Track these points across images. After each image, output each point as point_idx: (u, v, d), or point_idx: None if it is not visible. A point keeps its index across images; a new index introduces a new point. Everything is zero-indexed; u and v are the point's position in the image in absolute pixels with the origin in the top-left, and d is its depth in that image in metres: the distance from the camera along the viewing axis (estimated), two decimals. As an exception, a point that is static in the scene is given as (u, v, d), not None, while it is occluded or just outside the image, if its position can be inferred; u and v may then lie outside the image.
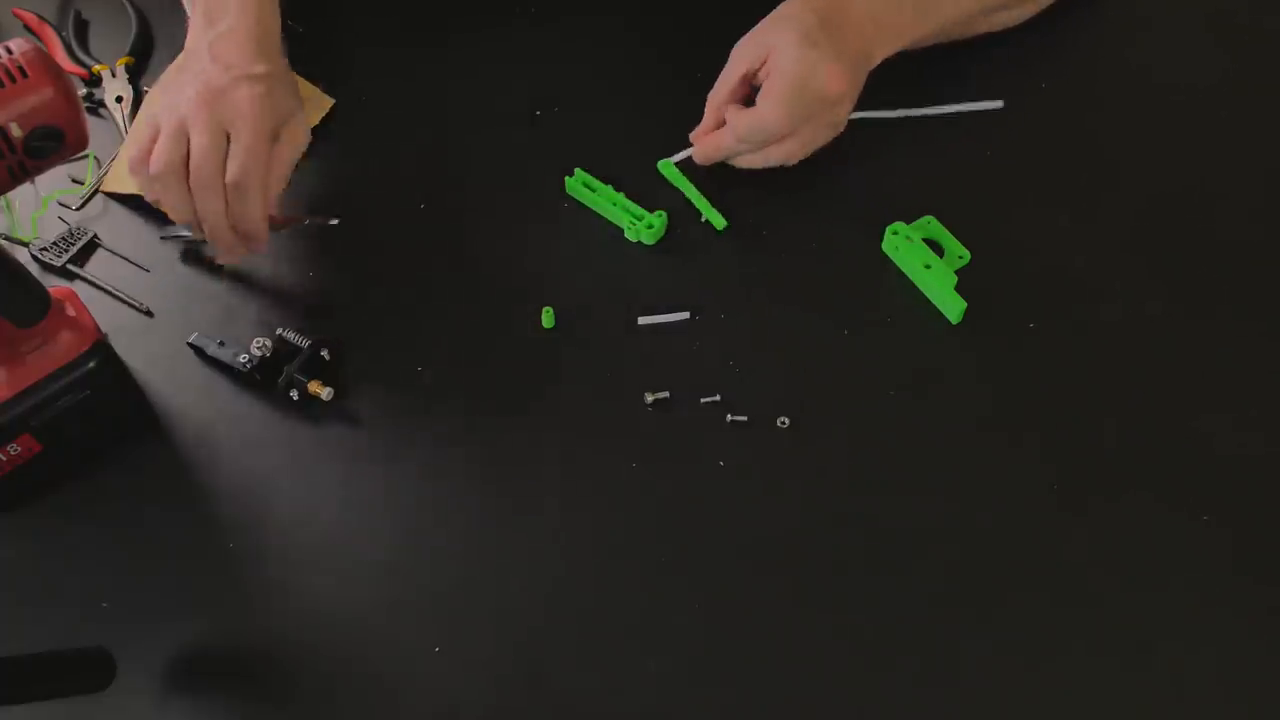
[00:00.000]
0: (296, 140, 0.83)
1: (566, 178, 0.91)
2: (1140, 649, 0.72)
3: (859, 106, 0.88)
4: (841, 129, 0.88)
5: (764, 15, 0.87)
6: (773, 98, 0.83)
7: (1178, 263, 0.87)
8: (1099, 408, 0.81)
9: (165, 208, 0.82)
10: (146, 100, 0.92)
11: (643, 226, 0.88)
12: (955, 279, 0.84)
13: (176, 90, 0.81)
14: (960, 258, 0.86)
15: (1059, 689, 0.71)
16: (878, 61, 0.88)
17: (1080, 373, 0.82)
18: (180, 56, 0.85)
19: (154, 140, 0.79)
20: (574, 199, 0.91)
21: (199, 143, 0.78)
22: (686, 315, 0.85)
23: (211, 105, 0.78)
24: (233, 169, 0.78)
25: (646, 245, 0.88)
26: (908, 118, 0.93)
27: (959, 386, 0.82)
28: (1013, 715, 0.71)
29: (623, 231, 0.89)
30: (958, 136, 0.93)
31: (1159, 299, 0.85)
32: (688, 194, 0.90)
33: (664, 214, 0.88)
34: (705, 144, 0.88)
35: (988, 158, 0.92)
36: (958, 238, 0.87)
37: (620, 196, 0.89)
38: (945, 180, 0.91)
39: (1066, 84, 0.96)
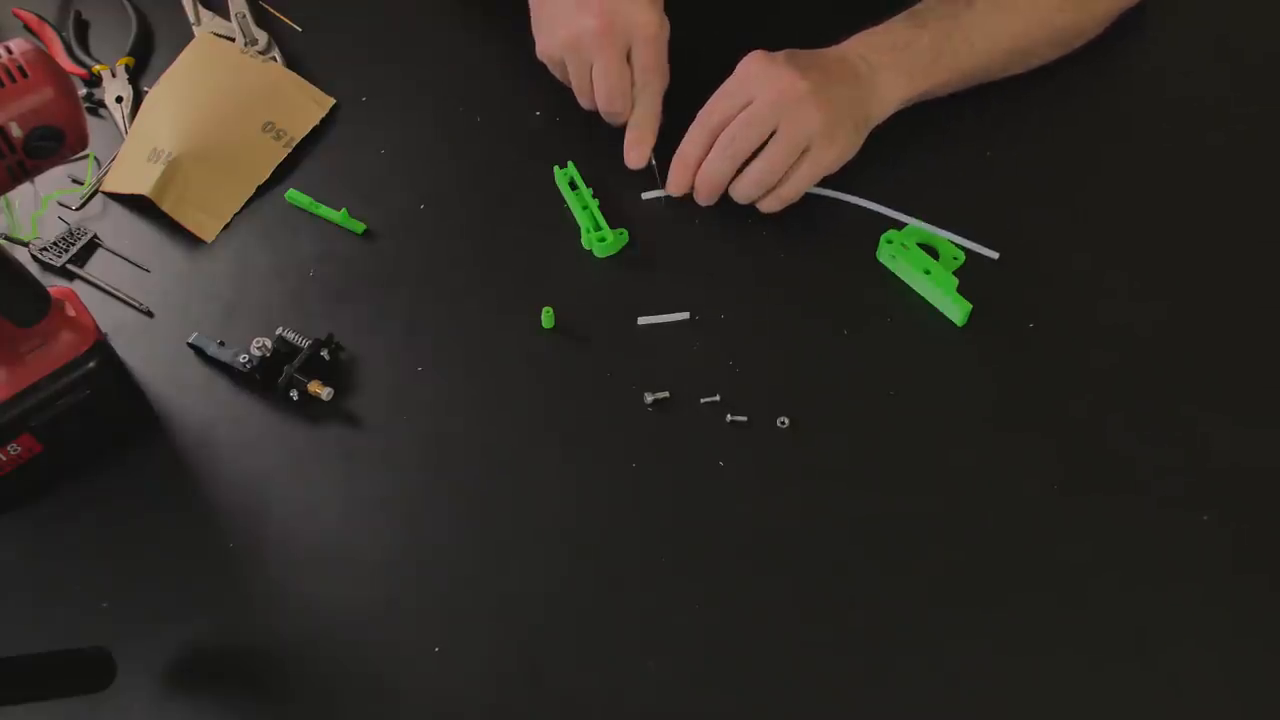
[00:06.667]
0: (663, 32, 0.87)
1: (557, 168, 0.91)
2: (1140, 649, 0.72)
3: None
4: (823, 163, 0.85)
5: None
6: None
7: (1178, 263, 0.87)
8: (1099, 407, 0.81)
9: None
10: (540, 43, 0.90)
11: (595, 238, 0.88)
12: (956, 281, 0.84)
13: (563, 25, 0.86)
14: (955, 258, 0.86)
15: (1059, 689, 0.71)
16: (887, 102, 0.88)
17: (1080, 373, 0.82)
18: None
19: (564, 73, 0.89)
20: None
21: (607, 68, 0.86)
22: (686, 315, 0.85)
23: (612, 30, 0.85)
24: (639, 82, 0.87)
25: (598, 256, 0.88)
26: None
27: (958, 386, 0.82)
28: (1013, 715, 0.71)
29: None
30: (958, 137, 0.93)
31: (1159, 299, 0.85)
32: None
33: (625, 232, 0.88)
34: (681, 175, 0.87)
35: (988, 158, 0.92)
36: (956, 229, 0.87)
37: (595, 203, 0.89)
38: (946, 180, 0.91)
39: (1067, 85, 0.96)
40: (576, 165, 0.91)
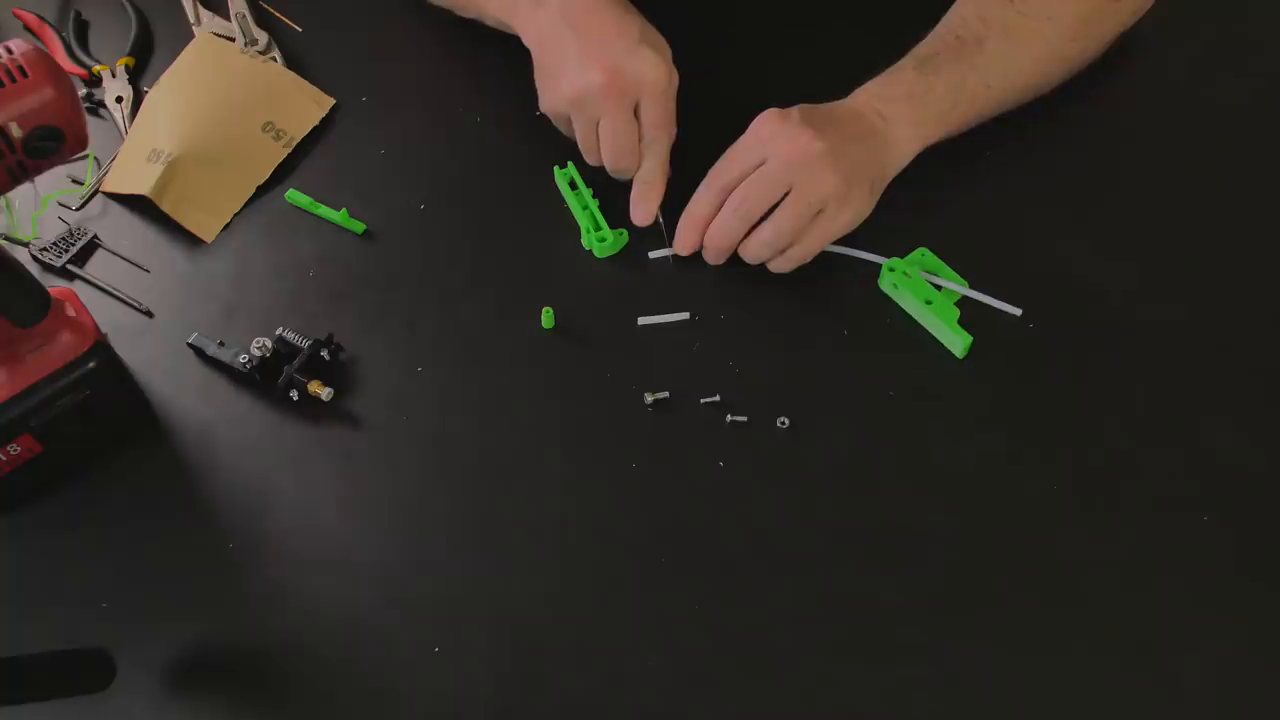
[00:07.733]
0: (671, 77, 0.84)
1: (557, 168, 0.91)
2: (1140, 649, 0.72)
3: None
4: (836, 226, 0.83)
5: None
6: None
7: (1177, 264, 0.87)
8: (1099, 408, 0.81)
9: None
10: (544, 97, 0.87)
11: (595, 238, 0.88)
12: (957, 313, 0.83)
13: (567, 80, 0.83)
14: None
15: (1059, 689, 0.71)
16: (903, 155, 0.86)
17: (1081, 373, 0.82)
18: (532, 38, 0.86)
19: (569, 128, 0.87)
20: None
21: (614, 125, 0.83)
22: (686, 315, 0.85)
23: (620, 86, 0.81)
24: (647, 135, 0.84)
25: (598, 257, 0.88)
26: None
27: (958, 386, 0.82)
28: (1013, 715, 0.71)
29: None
30: (957, 140, 0.93)
31: (1159, 300, 0.85)
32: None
33: (625, 232, 0.88)
34: (689, 235, 0.85)
35: (987, 158, 0.92)
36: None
37: (595, 203, 0.89)
38: (946, 184, 0.91)
39: (1067, 88, 0.95)
40: (576, 165, 0.91)
